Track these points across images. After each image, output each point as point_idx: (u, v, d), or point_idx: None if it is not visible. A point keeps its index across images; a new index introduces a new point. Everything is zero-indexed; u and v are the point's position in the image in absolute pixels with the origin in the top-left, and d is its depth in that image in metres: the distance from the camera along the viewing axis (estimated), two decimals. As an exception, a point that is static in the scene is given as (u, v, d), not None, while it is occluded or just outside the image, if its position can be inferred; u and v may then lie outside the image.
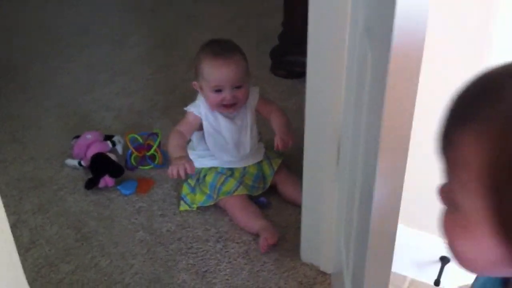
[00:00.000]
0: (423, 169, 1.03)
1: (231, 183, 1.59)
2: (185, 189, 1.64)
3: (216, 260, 1.47)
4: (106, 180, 1.68)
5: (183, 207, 1.62)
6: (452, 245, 0.53)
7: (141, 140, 1.79)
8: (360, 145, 0.96)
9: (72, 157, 1.81)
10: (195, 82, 1.58)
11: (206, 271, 1.44)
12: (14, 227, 1.56)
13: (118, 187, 1.70)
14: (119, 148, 1.81)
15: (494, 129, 0.47)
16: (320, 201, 1.34)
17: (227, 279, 1.42)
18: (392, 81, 0.73)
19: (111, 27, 2.63)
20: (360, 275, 0.96)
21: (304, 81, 1.23)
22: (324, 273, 1.42)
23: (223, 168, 1.63)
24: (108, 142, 1.79)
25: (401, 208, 0.84)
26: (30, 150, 1.91)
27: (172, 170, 1.46)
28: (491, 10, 1.03)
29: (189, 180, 1.65)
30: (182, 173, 1.46)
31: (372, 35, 0.88)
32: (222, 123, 1.58)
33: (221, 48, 1.53)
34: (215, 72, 1.51)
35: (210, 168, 1.63)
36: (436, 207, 0.57)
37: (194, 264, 1.46)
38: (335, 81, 1.19)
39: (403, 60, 0.72)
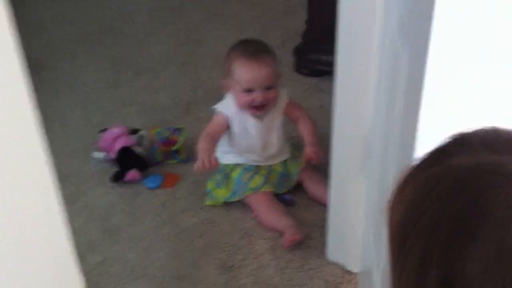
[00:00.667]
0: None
1: (257, 180, 1.60)
2: (211, 184, 1.65)
3: (242, 255, 1.48)
4: (133, 174, 1.70)
5: (209, 201, 1.63)
6: None
7: (166, 135, 1.80)
8: (393, 142, 0.97)
9: (99, 150, 1.83)
10: (224, 81, 1.58)
11: (231, 266, 1.45)
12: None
13: (144, 181, 1.72)
14: (145, 142, 1.83)
15: None
16: (347, 200, 1.34)
17: (253, 275, 1.42)
18: (430, 79, 0.74)
19: (136, 25, 2.65)
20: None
21: (327, 79, 1.24)
22: (350, 272, 1.42)
23: (249, 165, 1.64)
24: (134, 136, 1.81)
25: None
26: (55, 144, 1.93)
27: (198, 163, 1.48)
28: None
29: (215, 176, 1.66)
30: (207, 164, 1.47)
31: (407, 32, 0.89)
32: (251, 122, 1.58)
33: (253, 48, 1.53)
34: (247, 73, 1.51)
35: (237, 164, 1.64)
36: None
37: (220, 259, 1.47)
38: (364, 80, 1.19)
39: (440, 57, 0.72)
